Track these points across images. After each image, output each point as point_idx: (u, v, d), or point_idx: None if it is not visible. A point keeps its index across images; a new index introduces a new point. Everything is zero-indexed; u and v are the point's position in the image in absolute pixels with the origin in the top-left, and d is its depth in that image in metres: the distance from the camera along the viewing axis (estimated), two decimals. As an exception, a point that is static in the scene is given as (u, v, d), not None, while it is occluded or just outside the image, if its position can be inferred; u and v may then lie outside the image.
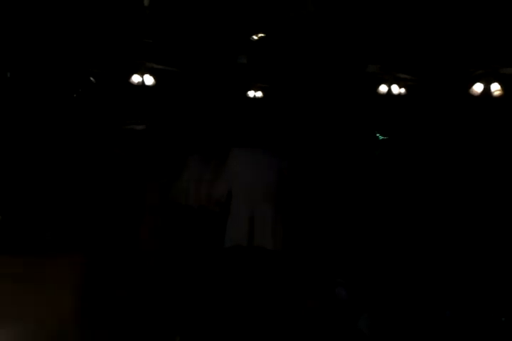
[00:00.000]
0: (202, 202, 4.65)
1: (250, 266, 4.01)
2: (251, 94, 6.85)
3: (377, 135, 6.83)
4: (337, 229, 5.09)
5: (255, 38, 6.32)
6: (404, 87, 6.11)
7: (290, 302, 3.96)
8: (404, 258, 4.56)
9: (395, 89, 6.02)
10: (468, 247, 4.69)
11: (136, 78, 5.76)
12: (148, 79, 5.77)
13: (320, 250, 4.68)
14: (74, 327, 3.26)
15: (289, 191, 4.10)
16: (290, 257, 4.23)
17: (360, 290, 4.04)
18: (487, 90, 5.20)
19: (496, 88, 5.16)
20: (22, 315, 3.23)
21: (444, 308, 3.73)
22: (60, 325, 3.23)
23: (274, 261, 4.09)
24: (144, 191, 5.25)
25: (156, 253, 4.97)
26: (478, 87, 5.24)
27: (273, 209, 4.02)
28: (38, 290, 3.37)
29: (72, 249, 4.14)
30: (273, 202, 4.03)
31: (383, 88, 6.03)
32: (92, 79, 6.28)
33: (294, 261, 4.29)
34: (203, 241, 4.64)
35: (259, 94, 6.87)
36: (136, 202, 5.23)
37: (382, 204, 5.60)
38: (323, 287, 4.10)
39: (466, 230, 4.93)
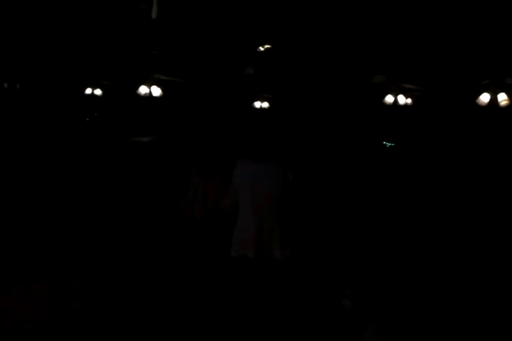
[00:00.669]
0: (208, 213, 4.65)
1: (256, 275, 4.00)
2: (257, 104, 6.88)
3: (385, 143, 6.82)
4: (344, 239, 5.07)
5: (262, 49, 6.35)
6: (411, 97, 6.11)
7: (296, 312, 3.94)
8: (411, 270, 4.53)
9: (401, 99, 6.02)
10: (476, 259, 4.65)
11: (143, 89, 5.80)
12: (156, 91, 5.81)
13: (327, 261, 4.66)
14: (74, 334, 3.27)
15: (296, 201, 4.09)
16: (297, 268, 4.21)
17: (367, 301, 4.01)
18: (494, 100, 5.19)
19: (502, 98, 5.14)
20: (21, 323, 3.25)
21: (451, 320, 3.70)
22: (59, 332, 3.24)
23: (280, 271, 4.08)
24: (151, 202, 5.27)
25: (163, 262, 4.97)
26: (485, 97, 5.22)
27: (280, 220, 4.01)
28: (45, 301, 3.39)
29: (78, 260, 4.15)
30: (280, 213, 4.01)
31: (389, 98, 6.04)
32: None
33: (301, 271, 4.28)
34: (209, 250, 4.64)
35: (265, 104, 6.90)
36: (144, 212, 5.25)
37: (389, 215, 5.58)
38: (330, 298, 4.07)
39: (474, 241, 4.89)
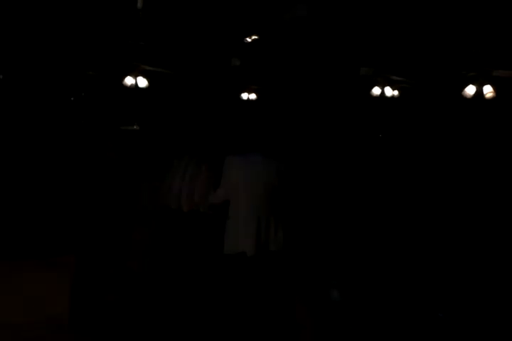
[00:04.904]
0: (194, 206, 4.59)
1: (245, 267, 3.99)
2: (245, 96, 6.84)
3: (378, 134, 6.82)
4: (332, 231, 5.08)
5: (249, 40, 6.31)
6: (398, 90, 6.12)
7: (283, 304, 3.95)
8: (398, 260, 4.56)
9: (388, 91, 6.03)
10: (460, 247, 4.70)
11: (129, 80, 5.73)
12: (142, 82, 5.74)
13: (315, 252, 4.67)
14: (64, 327, 3.24)
15: (288, 195, 4.07)
16: (285, 258, 4.21)
17: (354, 291, 4.03)
18: (480, 92, 5.21)
19: (488, 90, 5.16)
20: (12, 316, 3.22)
21: (437, 309, 3.73)
22: (50, 326, 3.21)
23: (269, 263, 4.07)
24: (137, 194, 5.22)
25: (150, 256, 4.94)
26: (470, 89, 5.24)
27: (275, 213, 3.99)
28: (30, 292, 3.35)
29: (65, 252, 4.11)
30: (275, 207, 3.99)
31: (376, 90, 6.04)
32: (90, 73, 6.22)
33: (289, 262, 4.28)
34: (197, 243, 4.61)
35: (253, 96, 6.86)
36: (129, 204, 5.20)
37: (376, 207, 5.60)
38: (317, 289, 4.08)
39: (459, 230, 4.94)
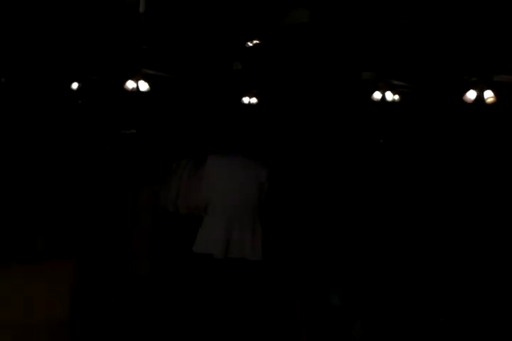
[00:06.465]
0: (190, 209, 4.61)
1: (236, 274, 3.98)
2: (246, 100, 6.85)
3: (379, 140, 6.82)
4: (328, 235, 5.07)
5: (250, 44, 6.33)
6: (399, 94, 6.13)
7: (281, 309, 3.94)
8: (398, 264, 4.55)
9: (389, 96, 6.03)
10: (460, 252, 4.69)
11: (130, 84, 5.74)
12: (143, 85, 5.76)
13: (311, 257, 4.67)
14: (65, 331, 3.24)
15: (269, 201, 4.06)
16: (277, 266, 4.21)
17: (354, 296, 4.02)
18: (480, 97, 5.21)
19: (489, 95, 5.17)
20: (13, 320, 3.21)
21: (438, 314, 3.72)
22: (50, 330, 3.21)
23: (261, 270, 4.07)
24: (137, 197, 5.23)
25: (148, 258, 4.95)
26: (471, 94, 5.25)
27: (252, 220, 3.97)
28: (31, 296, 3.35)
29: (65, 255, 4.12)
30: (252, 213, 3.98)
31: (377, 95, 6.04)
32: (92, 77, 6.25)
33: (281, 269, 4.28)
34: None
35: (254, 100, 6.88)
36: (129, 207, 5.21)
37: (376, 211, 5.60)
38: (316, 293, 4.08)
39: (459, 235, 4.94)
